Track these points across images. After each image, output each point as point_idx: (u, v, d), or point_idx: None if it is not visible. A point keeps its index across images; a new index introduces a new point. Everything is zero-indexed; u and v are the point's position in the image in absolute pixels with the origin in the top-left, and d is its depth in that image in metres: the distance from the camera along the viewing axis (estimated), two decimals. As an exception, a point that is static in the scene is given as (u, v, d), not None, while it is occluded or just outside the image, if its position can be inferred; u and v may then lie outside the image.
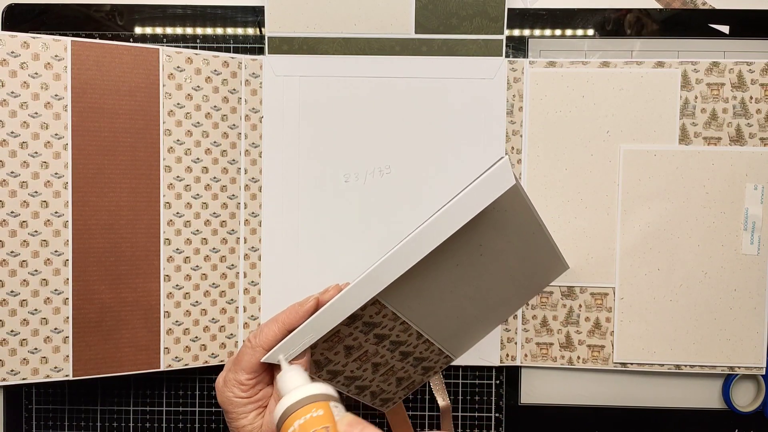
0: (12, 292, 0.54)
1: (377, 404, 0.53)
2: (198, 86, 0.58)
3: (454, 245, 0.39)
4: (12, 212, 0.54)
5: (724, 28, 0.61)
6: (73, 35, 0.60)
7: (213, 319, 0.60)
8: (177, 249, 0.58)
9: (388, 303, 0.43)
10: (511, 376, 0.62)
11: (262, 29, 0.61)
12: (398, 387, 0.52)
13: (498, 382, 0.62)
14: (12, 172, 0.54)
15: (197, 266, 0.59)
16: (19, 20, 0.60)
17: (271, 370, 0.43)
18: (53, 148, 0.55)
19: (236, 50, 0.61)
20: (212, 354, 0.60)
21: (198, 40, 0.61)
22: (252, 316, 0.61)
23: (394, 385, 0.52)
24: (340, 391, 0.49)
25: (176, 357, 0.59)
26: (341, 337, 0.43)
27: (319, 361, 0.45)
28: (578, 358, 0.61)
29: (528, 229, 0.45)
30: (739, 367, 0.60)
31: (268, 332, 0.42)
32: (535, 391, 0.63)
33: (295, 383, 0.39)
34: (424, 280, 0.42)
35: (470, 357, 0.61)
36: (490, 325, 0.53)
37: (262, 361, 0.41)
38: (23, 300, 0.55)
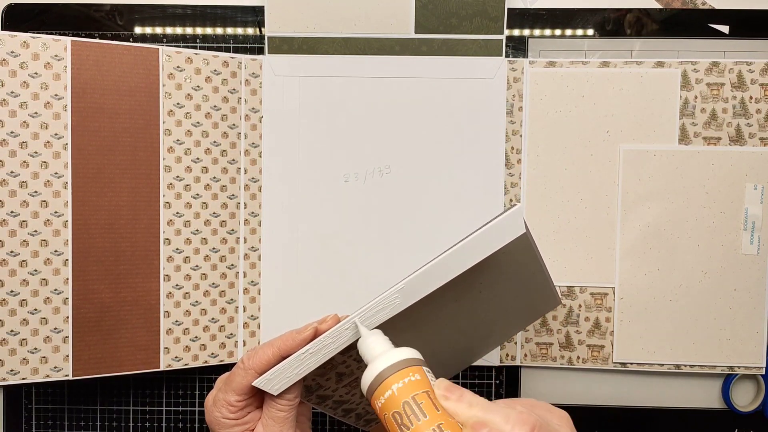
0: (12, 291, 0.54)
1: (361, 425, 0.53)
2: (198, 86, 0.58)
3: (455, 283, 0.39)
4: (12, 212, 0.54)
5: (724, 28, 0.61)
6: (73, 35, 0.60)
7: (213, 318, 0.60)
8: (177, 249, 0.58)
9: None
10: (511, 376, 0.62)
11: (262, 29, 0.61)
12: None
13: (498, 382, 0.62)
14: (12, 172, 0.54)
15: (197, 266, 0.59)
16: (19, 20, 0.60)
17: (261, 395, 0.42)
18: (53, 148, 0.55)
19: (236, 50, 0.61)
20: (212, 354, 0.60)
21: (198, 40, 0.61)
22: (252, 315, 0.61)
23: None
24: (325, 412, 0.49)
25: (176, 357, 0.59)
26: (334, 364, 0.43)
27: (310, 386, 0.45)
28: (578, 358, 0.61)
29: (529, 269, 0.45)
30: (738, 367, 0.60)
31: (262, 356, 0.41)
32: (535, 391, 0.63)
33: (383, 347, 0.37)
34: (422, 315, 0.42)
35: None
36: (478, 354, 0.53)
37: (252, 385, 0.40)
38: (23, 300, 0.55)
